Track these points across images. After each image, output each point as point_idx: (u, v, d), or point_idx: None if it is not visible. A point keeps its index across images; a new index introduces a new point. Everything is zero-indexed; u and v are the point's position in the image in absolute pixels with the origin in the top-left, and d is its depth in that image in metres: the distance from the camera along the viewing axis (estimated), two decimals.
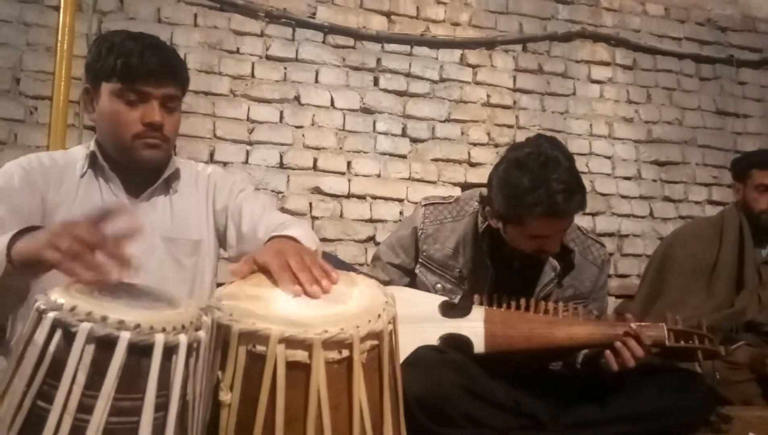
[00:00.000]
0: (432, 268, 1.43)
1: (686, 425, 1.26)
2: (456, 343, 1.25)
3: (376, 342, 0.77)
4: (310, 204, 2.36)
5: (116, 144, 1.16)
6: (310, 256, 0.91)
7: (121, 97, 1.13)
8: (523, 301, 1.29)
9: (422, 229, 1.45)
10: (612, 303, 2.52)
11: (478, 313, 1.28)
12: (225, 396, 0.75)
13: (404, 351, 1.03)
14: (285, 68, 2.40)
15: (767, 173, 1.89)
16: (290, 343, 0.73)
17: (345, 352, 0.74)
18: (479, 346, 1.24)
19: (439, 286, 1.42)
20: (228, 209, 1.27)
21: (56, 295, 0.72)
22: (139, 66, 1.12)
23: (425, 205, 1.49)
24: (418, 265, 1.45)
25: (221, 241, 1.29)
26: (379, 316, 0.78)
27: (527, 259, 1.36)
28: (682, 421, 1.25)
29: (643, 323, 1.26)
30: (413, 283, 1.45)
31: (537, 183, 1.24)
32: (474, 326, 1.26)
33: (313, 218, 2.35)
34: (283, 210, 2.23)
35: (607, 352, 1.22)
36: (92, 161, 1.19)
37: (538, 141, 1.31)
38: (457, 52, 2.61)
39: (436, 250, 1.43)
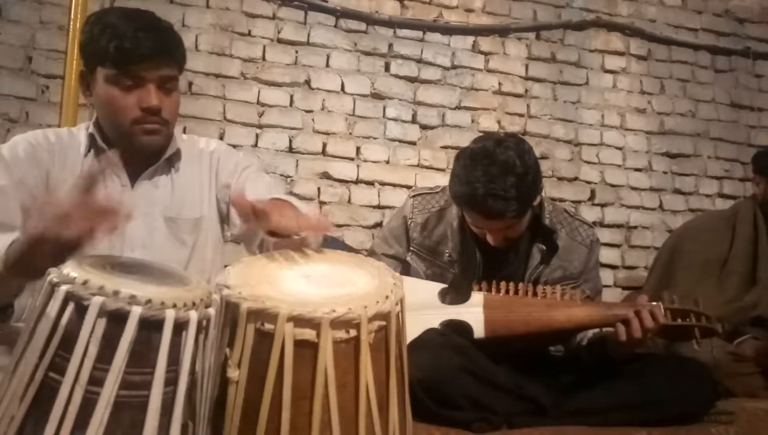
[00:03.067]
0: (422, 255, 1.47)
1: (688, 414, 1.27)
2: (456, 329, 1.26)
3: (383, 323, 0.77)
4: (319, 189, 2.36)
5: (115, 129, 1.15)
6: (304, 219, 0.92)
7: (116, 83, 1.10)
8: (521, 286, 1.32)
9: (411, 219, 1.50)
10: (619, 295, 2.52)
11: (477, 298, 1.30)
12: (233, 373, 0.76)
13: (407, 337, 1.04)
14: (296, 52, 2.39)
15: None
16: (298, 321, 0.74)
17: (353, 332, 0.75)
18: (479, 331, 1.26)
19: (429, 271, 1.45)
20: (231, 187, 1.26)
21: (69, 269, 0.73)
22: (133, 49, 1.08)
23: (413, 196, 1.55)
24: (409, 254, 1.49)
25: (223, 218, 1.28)
26: (387, 297, 0.79)
27: (510, 244, 1.40)
28: (684, 410, 1.26)
29: (639, 303, 1.27)
30: (407, 272, 1.48)
31: (469, 178, 1.29)
32: (474, 312, 1.28)
33: (321, 203, 2.35)
34: (291, 194, 2.23)
35: (618, 324, 1.23)
36: (92, 142, 1.19)
37: (501, 139, 1.34)
38: (470, 39, 2.58)
39: (425, 238, 1.47)
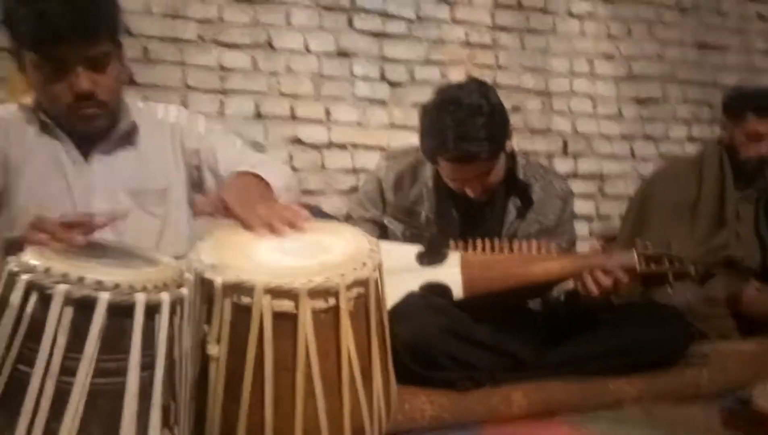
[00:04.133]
0: (398, 217, 1.47)
1: (664, 359, 1.31)
2: (435, 291, 1.27)
3: (362, 289, 0.77)
4: (291, 155, 2.31)
5: (53, 113, 1.09)
6: (274, 200, 0.91)
7: (42, 69, 1.02)
8: (497, 243, 1.32)
9: (385, 180, 1.49)
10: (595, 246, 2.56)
11: (454, 258, 1.30)
12: (213, 349, 0.75)
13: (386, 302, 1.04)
14: (254, 10, 2.29)
15: (764, 121, 1.78)
16: (276, 293, 0.72)
17: (332, 301, 0.74)
18: (458, 291, 1.27)
19: (407, 233, 1.45)
20: (200, 152, 1.21)
21: (28, 256, 0.70)
22: (51, 33, 0.98)
23: (387, 158, 1.55)
24: (386, 216, 1.48)
25: (196, 186, 1.24)
26: (365, 263, 0.78)
27: (486, 200, 1.40)
28: (660, 355, 1.30)
29: (613, 251, 1.29)
30: (385, 235, 1.47)
31: (438, 126, 1.29)
32: (451, 273, 1.28)
33: (294, 170, 2.30)
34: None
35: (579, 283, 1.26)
36: (40, 120, 1.12)
37: (462, 84, 1.36)
38: None
39: (401, 198, 1.46)
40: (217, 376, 0.75)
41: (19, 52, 1.05)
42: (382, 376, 0.80)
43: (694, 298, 1.63)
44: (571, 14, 2.68)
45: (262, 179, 1.04)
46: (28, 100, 1.16)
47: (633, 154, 2.74)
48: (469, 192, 1.37)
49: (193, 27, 2.22)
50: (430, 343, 1.16)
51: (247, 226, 0.88)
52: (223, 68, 2.25)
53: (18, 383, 0.65)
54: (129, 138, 1.17)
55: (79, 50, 1.01)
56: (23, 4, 1.00)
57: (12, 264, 0.70)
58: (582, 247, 1.60)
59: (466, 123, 1.26)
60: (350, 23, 2.39)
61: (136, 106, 1.21)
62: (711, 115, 2.82)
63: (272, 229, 0.85)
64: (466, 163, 1.31)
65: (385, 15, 2.43)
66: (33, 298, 0.67)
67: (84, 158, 1.13)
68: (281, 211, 0.89)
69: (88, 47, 1.02)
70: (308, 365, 0.73)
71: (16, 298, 0.67)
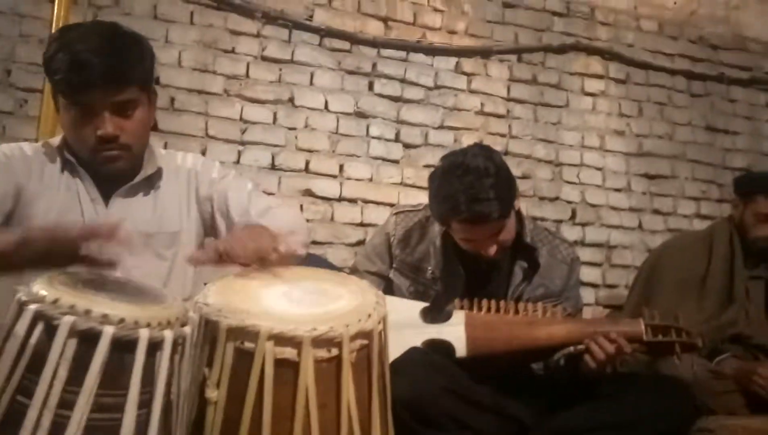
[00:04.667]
0: (405, 272, 1.47)
1: (669, 432, 1.27)
2: (438, 349, 1.26)
3: (365, 341, 0.76)
4: (301, 206, 2.34)
5: (79, 154, 1.14)
6: (274, 241, 0.93)
7: (71, 111, 1.08)
8: (502, 303, 1.32)
9: (394, 235, 1.51)
10: (601, 313, 2.53)
11: (458, 317, 1.30)
12: (212, 393, 0.74)
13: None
14: (280, 69, 2.39)
15: None
16: (279, 340, 0.72)
17: (334, 351, 0.73)
18: (461, 350, 1.26)
19: (412, 289, 1.45)
20: (213, 199, 1.24)
21: (38, 287, 0.71)
22: (80, 80, 1.03)
23: (396, 214, 1.57)
24: (392, 271, 1.49)
25: (209, 230, 1.26)
26: (369, 315, 0.78)
27: (493, 261, 1.40)
28: (665, 429, 1.26)
29: (619, 319, 1.28)
30: (390, 289, 1.47)
31: (447, 191, 1.32)
32: (455, 331, 1.28)
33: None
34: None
35: (585, 354, 1.24)
36: (63, 157, 1.16)
37: (467, 150, 1.40)
38: (453, 60, 2.61)
39: (408, 254, 1.48)
40: (214, 421, 0.74)
41: (55, 94, 1.12)
42: (381, 429, 0.78)
43: (702, 372, 1.60)
44: (584, 91, 2.77)
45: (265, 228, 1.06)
46: (56, 139, 1.21)
47: (641, 226, 2.74)
48: (484, 251, 1.37)
49: (220, 81, 2.32)
50: (429, 401, 1.14)
51: (237, 262, 0.89)
52: (244, 120, 2.33)
53: (16, 415, 0.65)
54: (151, 183, 1.21)
55: (107, 96, 1.06)
56: (62, 52, 1.05)
57: (21, 293, 0.71)
58: (587, 313, 1.58)
59: (474, 185, 1.29)
60: (370, 87, 2.49)
61: (160, 154, 1.26)
62: (719, 194, 2.85)
63: (259, 259, 0.87)
64: (479, 224, 1.32)
65: (404, 81, 2.52)
66: (38, 329, 0.68)
67: (104, 198, 1.16)
68: (264, 241, 0.91)
69: (116, 93, 1.07)
70: (307, 415, 0.72)
71: (21, 327, 0.68)
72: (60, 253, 0.84)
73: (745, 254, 1.86)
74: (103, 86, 1.05)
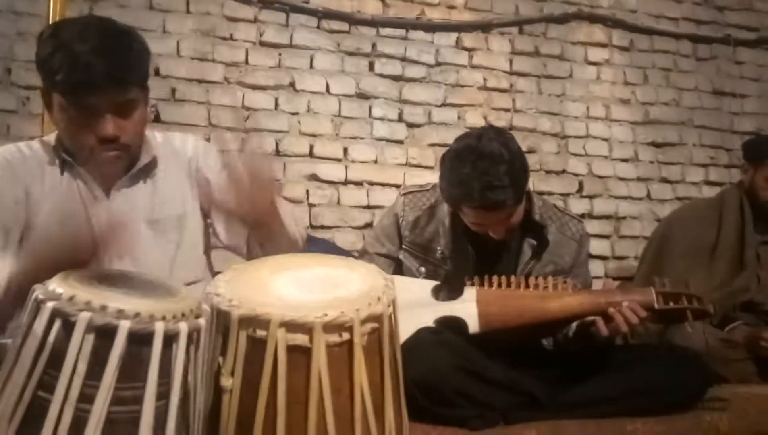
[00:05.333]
0: (415, 252, 1.47)
1: (681, 402, 1.28)
2: (451, 325, 1.27)
3: (376, 325, 0.77)
4: (307, 191, 2.35)
5: (76, 152, 1.12)
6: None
7: (69, 112, 1.05)
8: (513, 279, 1.32)
9: (403, 216, 1.50)
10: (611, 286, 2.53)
11: (470, 293, 1.30)
12: (226, 382, 0.75)
13: (401, 337, 1.04)
14: (279, 54, 2.38)
15: None
16: (291, 326, 0.73)
17: (345, 335, 0.74)
18: (474, 326, 1.27)
19: (422, 269, 1.45)
20: (212, 181, 1.23)
21: (54, 285, 0.72)
22: (86, 80, 1.00)
23: (404, 194, 1.55)
24: (402, 252, 1.48)
25: (207, 213, 1.26)
26: (379, 299, 0.78)
27: (502, 240, 1.40)
28: (677, 398, 1.27)
29: (630, 288, 1.28)
30: (399, 270, 1.48)
31: (460, 176, 1.30)
32: (467, 307, 1.28)
33: (310, 205, 2.34)
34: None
35: (598, 318, 1.24)
36: (61, 158, 1.15)
37: (481, 133, 1.36)
38: (453, 36, 2.58)
39: (417, 235, 1.47)
40: (230, 409, 0.75)
41: (48, 92, 1.09)
42: (395, 411, 0.80)
43: (713, 341, 1.60)
44: (587, 61, 2.73)
45: None
46: (51, 138, 1.20)
47: (649, 196, 2.73)
48: (494, 234, 1.37)
49: (220, 69, 2.31)
50: (441, 380, 1.15)
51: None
52: (246, 108, 2.32)
53: (38, 410, 0.66)
54: (148, 171, 1.21)
55: (110, 97, 1.04)
56: (59, 50, 1.02)
57: (38, 292, 0.72)
58: (597, 285, 1.59)
59: (489, 172, 1.27)
60: (371, 67, 2.47)
61: (156, 141, 1.25)
62: (728, 159, 2.82)
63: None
64: (492, 211, 1.31)
65: (405, 60, 2.50)
66: (56, 325, 0.69)
67: (105, 193, 1.17)
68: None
69: (119, 93, 1.05)
70: (321, 399, 0.73)
71: (39, 325, 0.69)
72: (72, 265, 0.84)
73: (755, 219, 1.85)
74: (106, 88, 1.03)
